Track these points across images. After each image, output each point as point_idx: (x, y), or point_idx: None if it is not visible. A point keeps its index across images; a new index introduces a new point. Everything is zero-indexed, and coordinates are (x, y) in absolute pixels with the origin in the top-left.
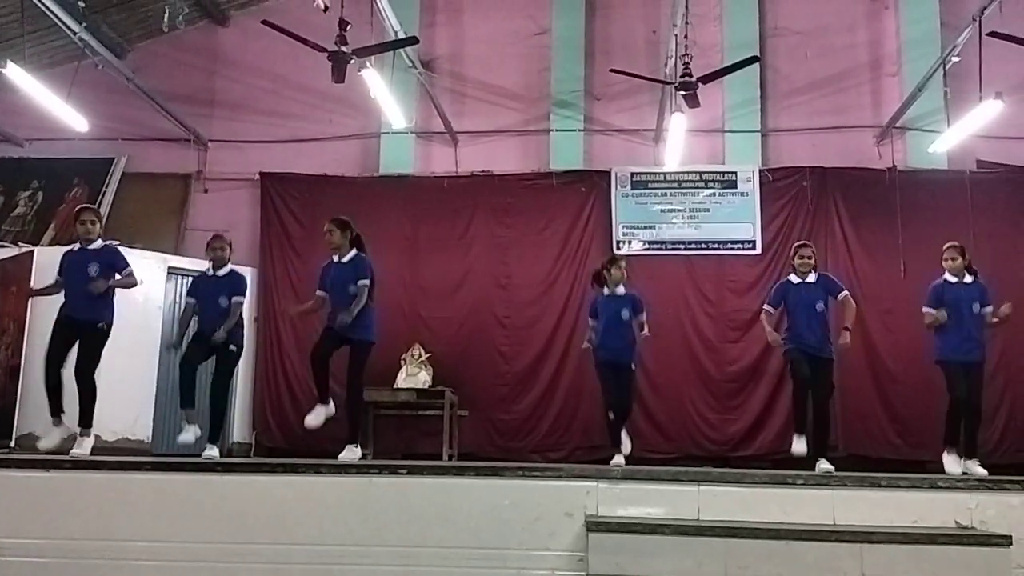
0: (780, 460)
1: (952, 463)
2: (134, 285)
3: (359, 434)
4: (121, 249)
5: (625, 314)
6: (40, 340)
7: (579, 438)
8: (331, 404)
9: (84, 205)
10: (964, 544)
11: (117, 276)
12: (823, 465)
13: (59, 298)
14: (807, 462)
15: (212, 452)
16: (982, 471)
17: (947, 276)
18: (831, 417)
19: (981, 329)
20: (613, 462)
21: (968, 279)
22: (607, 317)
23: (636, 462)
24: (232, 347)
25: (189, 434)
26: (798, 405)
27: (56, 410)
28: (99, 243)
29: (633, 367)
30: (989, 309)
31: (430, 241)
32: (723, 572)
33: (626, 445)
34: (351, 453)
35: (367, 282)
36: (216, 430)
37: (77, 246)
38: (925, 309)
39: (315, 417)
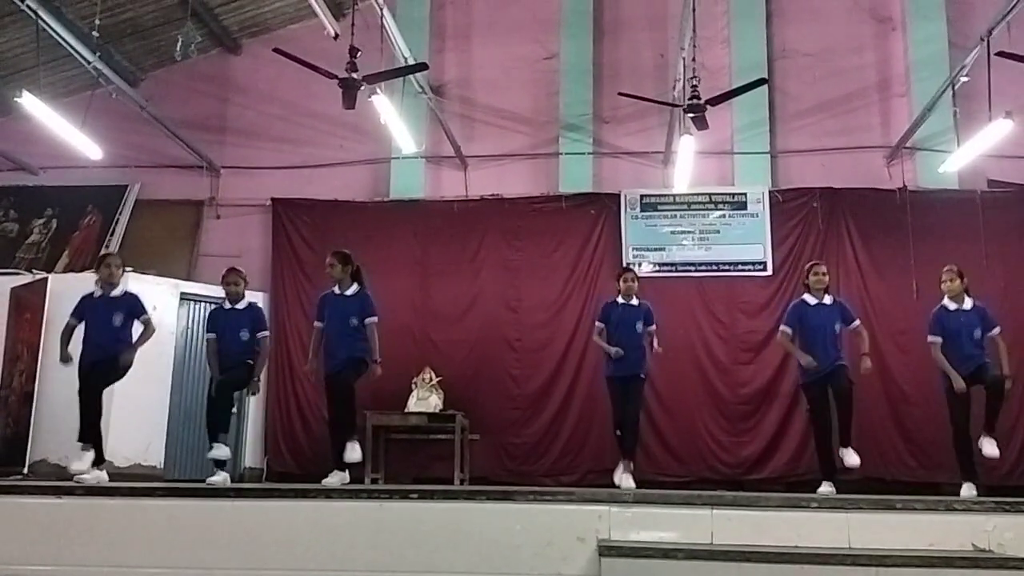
0: (794, 483)
1: (968, 491)
2: (152, 333)
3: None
4: (136, 289)
5: (639, 326)
6: (54, 367)
7: (591, 461)
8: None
9: (109, 252)
10: (982, 567)
11: (137, 323)
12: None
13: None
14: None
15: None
16: (995, 452)
17: (946, 302)
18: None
19: (983, 351)
20: (619, 482)
21: (967, 304)
22: (621, 326)
23: (648, 485)
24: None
25: (223, 449)
26: (821, 445)
27: (87, 437)
28: (120, 290)
29: (643, 376)
30: (995, 331)
31: (440, 265)
32: None
33: (627, 481)
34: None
35: (375, 318)
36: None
37: (98, 292)
38: (931, 339)
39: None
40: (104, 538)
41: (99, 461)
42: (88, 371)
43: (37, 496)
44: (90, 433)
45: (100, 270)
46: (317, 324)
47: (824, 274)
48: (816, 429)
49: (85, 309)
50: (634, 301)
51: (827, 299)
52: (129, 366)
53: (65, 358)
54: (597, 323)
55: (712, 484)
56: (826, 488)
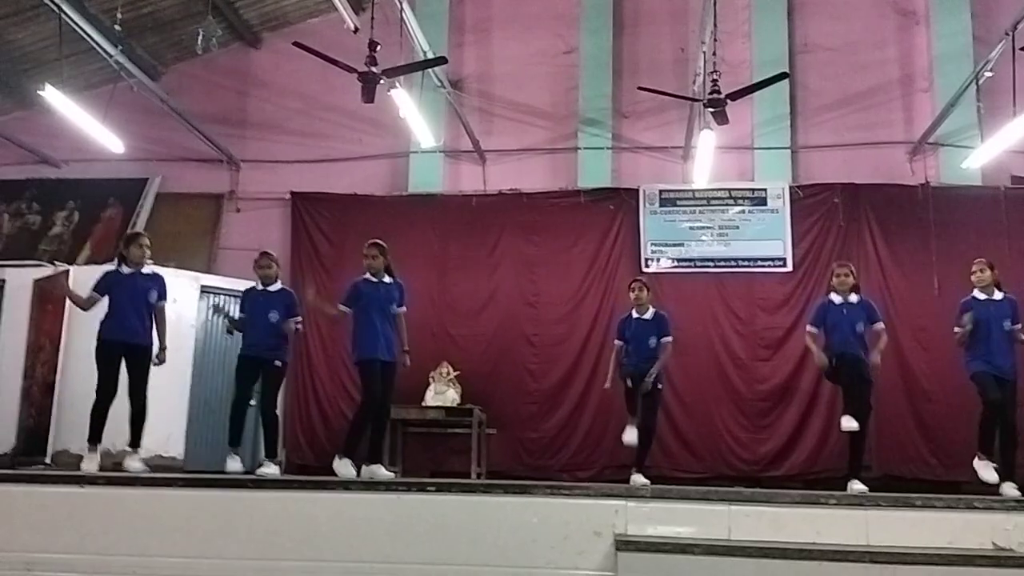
0: (812, 480)
1: (984, 468)
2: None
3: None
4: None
5: (652, 341)
6: (76, 358)
7: (608, 456)
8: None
9: (139, 231)
10: (1002, 566)
11: (163, 303)
12: (856, 486)
13: (92, 317)
14: (841, 483)
15: (270, 469)
16: (1016, 493)
17: (976, 292)
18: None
19: (1011, 346)
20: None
21: (998, 295)
22: (634, 341)
23: (666, 482)
24: (278, 363)
25: (237, 462)
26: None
27: (97, 438)
28: (149, 269)
29: (660, 387)
30: (1019, 326)
31: (459, 259)
32: None
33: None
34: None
35: (404, 309)
36: (272, 446)
37: (126, 269)
38: (956, 328)
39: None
40: (124, 528)
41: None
42: (113, 359)
43: (59, 485)
44: (100, 431)
45: (132, 249)
46: (343, 308)
47: (846, 275)
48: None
49: (111, 285)
50: (648, 314)
51: (852, 298)
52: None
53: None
54: (616, 342)
55: (730, 481)
56: (858, 486)
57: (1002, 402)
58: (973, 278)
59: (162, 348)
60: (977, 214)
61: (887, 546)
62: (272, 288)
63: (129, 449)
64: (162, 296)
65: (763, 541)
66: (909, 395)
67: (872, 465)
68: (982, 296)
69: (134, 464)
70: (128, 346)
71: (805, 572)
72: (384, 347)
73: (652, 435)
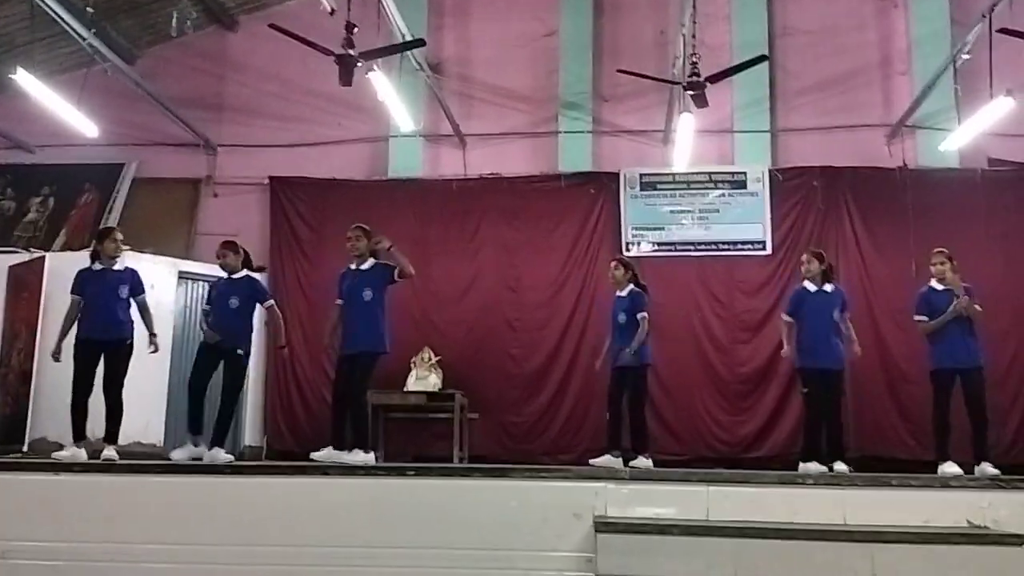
0: (792, 461)
1: (948, 468)
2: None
3: (367, 439)
4: (133, 267)
5: (622, 318)
6: (53, 346)
7: (590, 440)
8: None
9: (112, 226)
10: (977, 544)
11: (141, 296)
12: (839, 466)
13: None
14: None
15: (220, 454)
16: (994, 471)
17: (932, 283)
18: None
19: (971, 334)
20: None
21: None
22: (612, 319)
23: None
24: (239, 351)
25: (185, 452)
26: (812, 427)
27: (80, 435)
28: (120, 264)
29: (640, 365)
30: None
31: (439, 244)
32: (733, 572)
33: (612, 460)
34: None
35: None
36: (221, 435)
37: (97, 265)
38: (916, 318)
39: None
40: (102, 515)
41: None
42: (89, 357)
43: (36, 473)
44: (82, 427)
45: (106, 244)
46: (338, 302)
47: (809, 261)
48: (810, 412)
49: (84, 283)
50: (624, 291)
51: (828, 287)
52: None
53: (58, 355)
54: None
55: (710, 462)
56: (813, 467)
57: (969, 399)
58: (932, 270)
59: (152, 336)
60: (955, 196)
61: (864, 525)
62: (235, 276)
63: (105, 446)
64: (136, 290)
65: (741, 521)
66: (887, 376)
67: (850, 445)
68: (939, 287)
69: (107, 454)
70: (100, 343)
71: (783, 551)
72: (350, 340)
73: (642, 423)
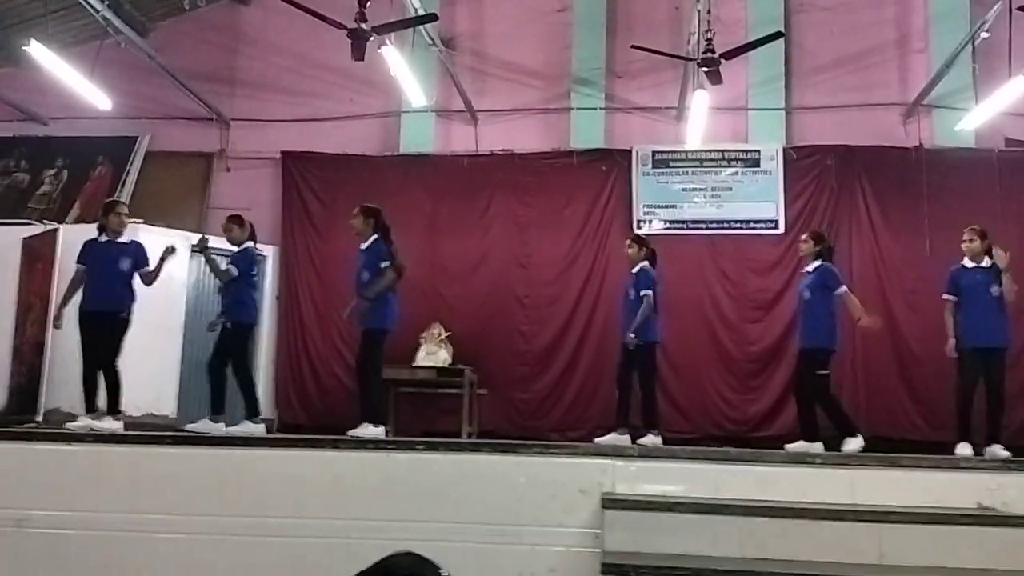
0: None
1: (963, 449)
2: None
3: (377, 413)
4: (146, 241)
5: (631, 293)
6: (66, 317)
7: (599, 417)
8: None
9: (117, 199)
10: (985, 525)
11: (146, 269)
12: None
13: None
14: (831, 443)
15: (254, 427)
16: (1005, 454)
17: (965, 261)
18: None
19: (1001, 312)
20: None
21: (986, 263)
22: (624, 296)
23: None
24: (228, 325)
25: (207, 424)
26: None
27: (92, 406)
28: (128, 237)
29: (649, 343)
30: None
31: (450, 220)
32: (739, 550)
33: (618, 438)
34: (368, 430)
35: (387, 264)
36: (253, 406)
37: (103, 237)
38: (945, 296)
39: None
40: (115, 485)
41: (114, 411)
42: (89, 329)
43: (49, 443)
44: (92, 399)
45: (111, 217)
46: None
47: (804, 241)
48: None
49: (89, 254)
50: (636, 268)
51: (810, 267)
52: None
53: (58, 321)
54: None
55: (719, 441)
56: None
57: (988, 380)
58: (963, 247)
59: (153, 271)
60: (970, 177)
61: (873, 505)
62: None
63: (109, 417)
64: (139, 264)
65: (749, 499)
66: (899, 357)
67: (861, 427)
68: (971, 264)
69: (102, 424)
70: (98, 315)
71: (790, 530)
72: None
73: (652, 400)
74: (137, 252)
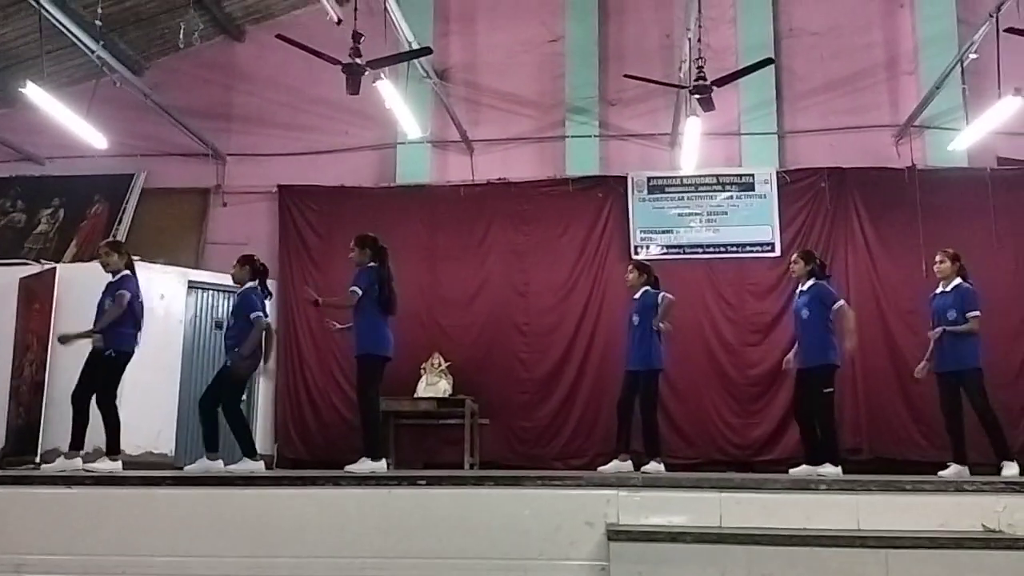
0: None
1: (948, 471)
2: (122, 308)
3: (376, 447)
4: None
5: (635, 319)
6: (64, 357)
7: (601, 444)
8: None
9: (104, 240)
10: (992, 548)
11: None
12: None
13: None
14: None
15: (254, 464)
16: (1015, 470)
17: (940, 285)
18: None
19: (957, 336)
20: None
21: (949, 286)
22: (628, 322)
23: None
24: (228, 364)
25: (204, 463)
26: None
27: (79, 444)
28: (118, 276)
29: (651, 370)
30: (973, 314)
31: (448, 250)
32: None
33: (620, 465)
34: (365, 465)
35: (355, 289)
36: (249, 447)
37: (110, 276)
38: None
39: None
40: (114, 527)
41: (114, 452)
42: (89, 367)
43: (48, 486)
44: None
45: (99, 258)
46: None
47: (794, 262)
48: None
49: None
50: (638, 294)
51: (805, 285)
52: (103, 352)
53: (65, 339)
54: None
55: (721, 466)
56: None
57: (972, 402)
58: (934, 268)
59: (91, 333)
60: (964, 196)
61: (878, 530)
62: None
63: (108, 457)
64: (111, 299)
65: (754, 528)
66: (899, 377)
67: (863, 447)
68: (939, 289)
69: (100, 465)
70: (92, 351)
71: (797, 558)
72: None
73: (654, 428)
74: (115, 289)
